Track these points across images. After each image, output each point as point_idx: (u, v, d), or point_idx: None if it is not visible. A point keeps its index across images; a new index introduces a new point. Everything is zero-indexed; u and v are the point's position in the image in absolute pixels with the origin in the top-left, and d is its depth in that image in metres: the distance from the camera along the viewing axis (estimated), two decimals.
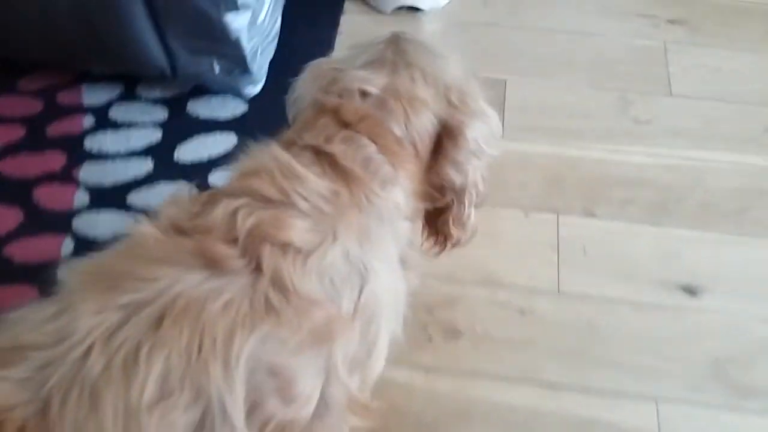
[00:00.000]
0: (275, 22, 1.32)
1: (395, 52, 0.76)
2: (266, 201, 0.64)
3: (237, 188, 0.66)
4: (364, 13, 1.54)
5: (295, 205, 0.64)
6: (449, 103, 0.75)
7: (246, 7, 1.14)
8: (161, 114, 1.33)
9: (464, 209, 0.79)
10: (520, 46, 1.46)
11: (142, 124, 1.31)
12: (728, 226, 1.18)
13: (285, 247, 0.61)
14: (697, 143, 1.30)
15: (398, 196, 0.71)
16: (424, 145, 0.74)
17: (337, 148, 0.69)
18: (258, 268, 0.60)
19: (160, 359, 0.54)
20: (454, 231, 0.82)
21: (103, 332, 0.54)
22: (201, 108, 1.34)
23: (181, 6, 1.13)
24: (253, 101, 1.35)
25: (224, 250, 0.60)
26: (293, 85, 0.81)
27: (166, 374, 0.54)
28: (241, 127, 1.31)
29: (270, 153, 0.68)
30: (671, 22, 1.50)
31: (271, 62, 1.35)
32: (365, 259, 0.65)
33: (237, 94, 1.32)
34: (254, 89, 1.32)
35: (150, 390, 0.53)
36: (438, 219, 0.81)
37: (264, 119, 1.29)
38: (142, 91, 1.36)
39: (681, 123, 1.32)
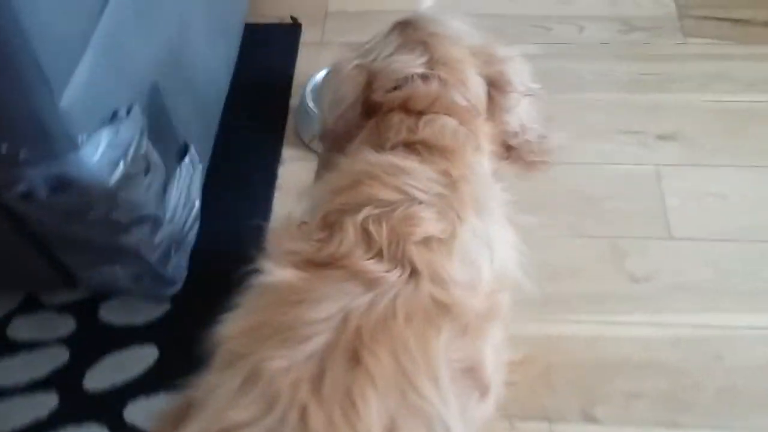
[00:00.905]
0: (192, 208, 1.13)
1: (415, 31, 0.81)
2: (388, 204, 0.66)
3: (350, 202, 0.67)
4: (306, 158, 1.34)
5: (415, 198, 0.66)
6: (481, 59, 0.83)
7: (142, 221, 0.95)
8: (68, 325, 1.13)
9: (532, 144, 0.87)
10: None
11: (45, 343, 1.12)
12: (759, 420, 0.97)
13: (427, 241, 0.64)
14: (708, 303, 1.08)
15: (486, 159, 0.78)
16: (483, 104, 0.81)
17: (425, 134, 0.73)
18: (414, 271, 0.61)
19: (374, 396, 0.53)
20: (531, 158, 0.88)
21: (307, 389, 0.53)
22: (114, 314, 1.14)
23: (65, 235, 0.94)
24: (176, 299, 1.15)
25: (375, 266, 0.61)
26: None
27: (385, 410, 0.54)
28: (164, 333, 1.12)
29: (365, 159, 0.71)
30: (662, 138, 1.30)
31: (195, 250, 1.16)
32: (488, 230, 0.69)
33: (153, 298, 1.13)
34: (174, 289, 1.13)
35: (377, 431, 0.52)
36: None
37: (193, 319, 1.10)
38: (46, 297, 1.17)
39: (686, 276, 1.11)
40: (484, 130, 0.79)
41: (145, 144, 0.93)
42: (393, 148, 0.73)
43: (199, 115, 1.18)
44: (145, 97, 0.93)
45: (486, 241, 0.68)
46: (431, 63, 0.78)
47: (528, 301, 1.10)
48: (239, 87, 1.36)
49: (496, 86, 0.83)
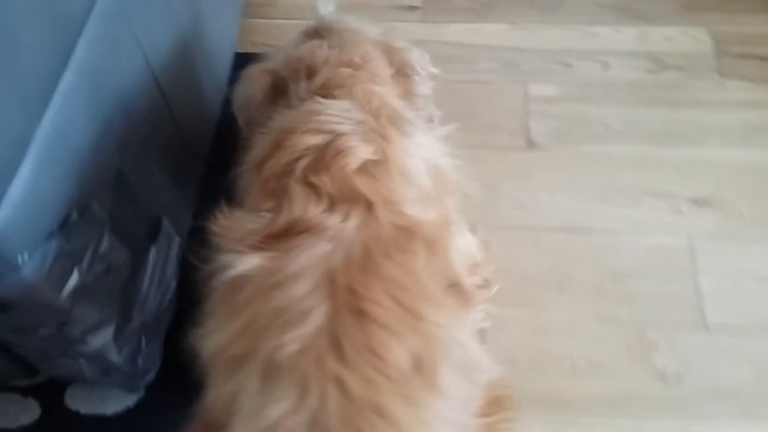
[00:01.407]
0: (167, 288, 1.00)
1: (316, 32, 0.90)
2: (317, 149, 0.68)
3: (281, 163, 0.68)
4: None
5: (338, 132, 0.69)
6: (383, 48, 0.90)
7: (103, 325, 0.83)
8: (31, 412, 1.02)
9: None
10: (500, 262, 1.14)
11: None
12: None
13: (365, 168, 0.67)
14: (748, 409, 0.96)
15: (392, 91, 0.85)
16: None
17: (330, 75, 0.80)
18: (368, 204, 0.64)
19: (392, 340, 0.55)
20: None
21: (332, 360, 0.54)
22: (81, 400, 1.03)
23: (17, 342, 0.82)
24: (150, 387, 1.04)
25: (331, 217, 0.63)
26: (234, 94, 0.91)
27: (407, 348, 0.56)
28: (137, 425, 1.01)
29: (277, 120, 0.76)
30: (696, 202, 1.16)
31: (171, 327, 1.04)
32: (415, 143, 0.73)
33: (125, 388, 1.02)
34: (146, 380, 1.01)
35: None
36: None
37: (169, 407, 0.98)
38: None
39: (723, 376, 0.99)
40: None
41: (107, 241, 0.81)
42: (302, 100, 0.77)
43: (178, 178, 1.06)
44: (106, 188, 0.80)
45: (417, 154, 0.71)
46: (336, 50, 0.84)
47: (540, 399, 0.99)
48: (229, 120, 1.24)
49: (401, 73, 0.89)
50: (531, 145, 1.25)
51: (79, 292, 0.76)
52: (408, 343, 0.56)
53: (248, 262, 0.61)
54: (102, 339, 0.85)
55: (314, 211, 0.63)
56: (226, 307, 0.62)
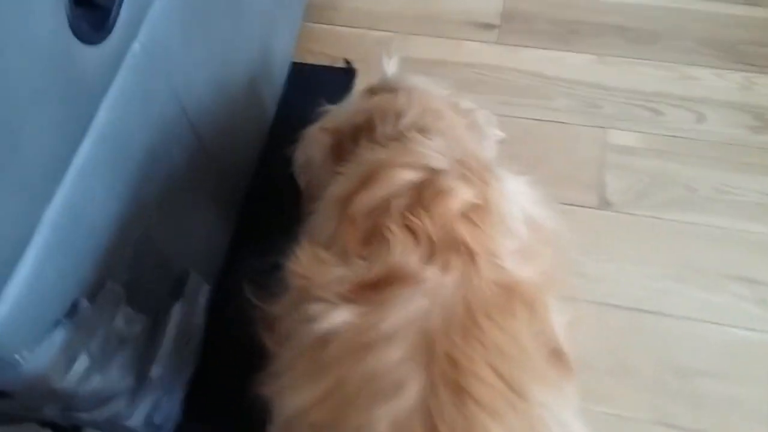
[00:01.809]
0: (190, 340, 0.93)
1: (379, 90, 0.86)
2: (413, 186, 0.63)
3: (374, 198, 0.63)
4: None
5: (437, 168, 0.64)
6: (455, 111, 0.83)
7: (113, 398, 0.77)
8: None
9: None
10: None
11: None
12: None
13: (468, 213, 0.61)
14: None
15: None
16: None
17: (414, 118, 0.77)
18: (470, 254, 0.58)
19: (494, 424, 0.50)
20: None
21: None
22: None
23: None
24: None
25: (431, 269, 0.57)
26: (294, 155, 0.88)
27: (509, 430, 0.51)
28: None
29: (365, 155, 0.70)
30: None
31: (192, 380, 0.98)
32: (508, 187, 0.67)
33: None
34: None
35: None
36: None
37: None
38: None
39: None
40: None
41: (121, 316, 0.74)
42: (390, 139, 0.72)
43: (211, 216, 0.98)
44: (125, 261, 0.73)
45: (515, 200, 0.66)
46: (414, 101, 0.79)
47: None
48: (274, 144, 1.16)
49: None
50: (604, 203, 1.12)
51: (88, 372, 0.70)
52: (509, 425, 0.51)
53: (338, 316, 0.55)
54: (113, 408, 0.79)
55: (412, 258, 0.57)
56: (308, 363, 0.57)
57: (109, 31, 0.63)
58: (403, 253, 0.57)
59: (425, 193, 0.61)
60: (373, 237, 0.60)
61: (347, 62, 1.31)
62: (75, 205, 0.62)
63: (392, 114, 0.77)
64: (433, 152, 0.66)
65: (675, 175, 1.14)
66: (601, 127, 1.19)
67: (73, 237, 0.63)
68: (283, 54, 1.18)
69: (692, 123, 1.20)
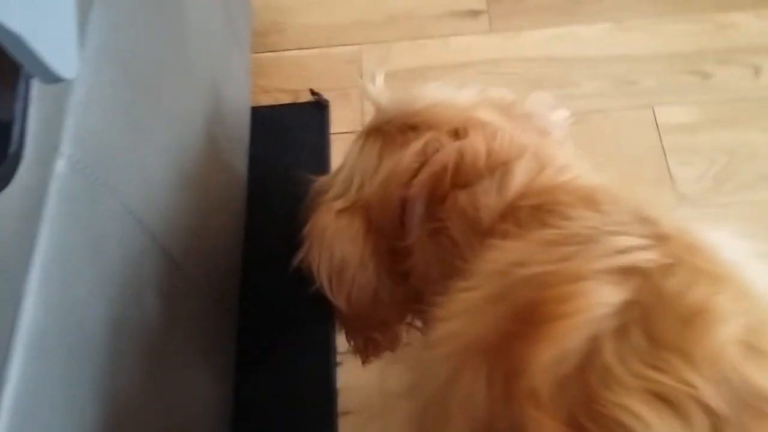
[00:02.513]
0: None
1: (391, 123, 0.63)
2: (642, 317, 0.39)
3: (573, 341, 0.38)
4: None
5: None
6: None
7: None
8: None
9: None
10: None
11: None
12: None
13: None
14: None
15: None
16: None
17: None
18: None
19: None
20: None
21: None
22: None
23: None
24: None
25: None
26: (307, 266, 0.63)
27: None
28: None
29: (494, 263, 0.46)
30: None
31: None
32: None
33: None
34: None
35: None
36: None
37: None
38: None
39: None
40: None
41: None
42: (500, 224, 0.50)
43: (207, 352, 0.71)
44: None
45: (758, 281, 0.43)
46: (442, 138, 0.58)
47: None
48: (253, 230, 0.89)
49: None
50: (679, 198, 0.91)
51: None
52: None
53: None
54: None
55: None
56: None
57: (17, 157, 0.36)
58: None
59: (660, 322, 0.37)
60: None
61: (314, 93, 1.05)
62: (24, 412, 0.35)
63: (469, 172, 0.53)
64: (625, 234, 0.42)
65: (751, 146, 0.94)
66: (647, 107, 0.98)
67: None
68: (240, 102, 0.91)
69: (749, 79, 0.99)
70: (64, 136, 0.42)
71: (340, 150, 1.01)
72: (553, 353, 0.37)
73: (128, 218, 0.50)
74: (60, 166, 0.42)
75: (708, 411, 0.34)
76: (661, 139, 0.96)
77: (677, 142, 0.95)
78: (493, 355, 0.40)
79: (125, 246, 0.49)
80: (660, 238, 0.42)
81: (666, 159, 0.94)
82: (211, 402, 0.70)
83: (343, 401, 0.83)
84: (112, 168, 0.48)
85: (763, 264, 0.44)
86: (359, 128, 1.05)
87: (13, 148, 0.35)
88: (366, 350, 0.73)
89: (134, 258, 0.51)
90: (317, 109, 1.04)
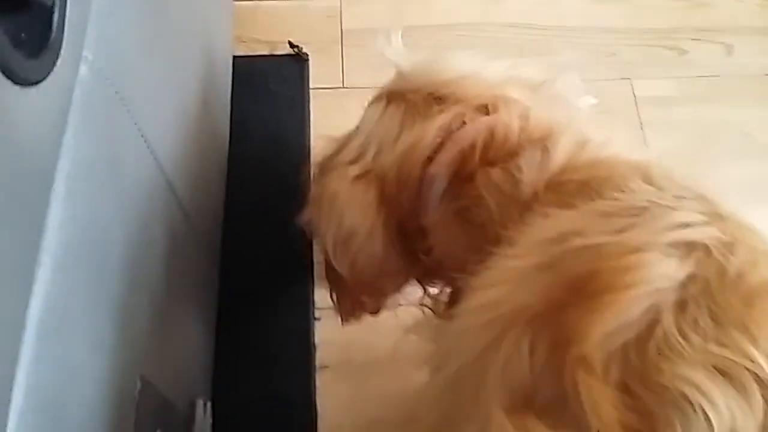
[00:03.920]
0: None
1: (414, 91, 0.61)
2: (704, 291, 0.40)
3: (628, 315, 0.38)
4: None
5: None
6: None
7: None
8: None
9: None
10: None
11: None
12: None
13: None
14: None
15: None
16: None
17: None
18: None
19: None
20: None
21: None
22: None
23: None
24: None
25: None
26: (314, 229, 0.64)
27: None
28: None
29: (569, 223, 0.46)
30: None
31: None
32: None
33: None
34: None
35: None
36: None
37: None
38: None
39: None
40: None
41: None
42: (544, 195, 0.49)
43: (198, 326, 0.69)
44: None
45: None
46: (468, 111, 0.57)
47: None
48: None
49: None
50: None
51: None
52: None
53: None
54: None
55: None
56: None
57: (58, 45, 0.34)
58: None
59: (721, 299, 0.38)
60: (647, 404, 0.36)
61: (293, 46, 1.03)
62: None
63: (500, 150, 0.53)
64: (684, 209, 0.42)
65: (723, 121, 0.99)
66: (626, 79, 1.01)
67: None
68: (223, 50, 0.88)
69: (721, 57, 1.04)
70: (87, 42, 0.40)
71: (320, 106, 1.00)
72: (611, 323, 0.38)
73: (140, 142, 0.48)
74: (84, 71, 0.39)
75: (765, 386, 0.35)
76: (638, 111, 0.99)
77: (653, 115, 0.99)
78: (539, 323, 0.40)
79: (137, 172, 0.48)
80: (717, 216, 0.43)
81: (643, 131, 0.98)
82: (196, 352, 0.68)
83: (321, 356, 0.83)
84: (128, 84, 0.46)
85: None
86: (340, 85, 1.05)
87: (54, 35, 0.33)
88: (352, 312, 0.73)
89: (145, 186, 0.49)
90: (296, 62, 1.02)
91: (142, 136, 0.47)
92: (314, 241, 0.75)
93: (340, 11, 1.06)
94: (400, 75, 0.64)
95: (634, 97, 1.00)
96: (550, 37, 1.05)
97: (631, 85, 1.01)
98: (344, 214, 0.60)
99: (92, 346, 0.39)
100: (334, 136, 0.67)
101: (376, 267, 0.62)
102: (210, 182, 0.73)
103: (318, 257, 0.84)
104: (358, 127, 0.65)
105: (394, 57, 0.65)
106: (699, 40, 1.05)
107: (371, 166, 0.60)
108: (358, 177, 0.60)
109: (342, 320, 0.75)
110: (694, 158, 0.90)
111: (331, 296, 0.74)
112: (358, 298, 0.70)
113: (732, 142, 0.97)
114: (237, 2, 1.05)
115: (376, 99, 0.65)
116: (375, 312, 0.73)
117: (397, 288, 0.69)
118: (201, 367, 0.69)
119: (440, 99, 0.59)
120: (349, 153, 0.62)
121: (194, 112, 0.66)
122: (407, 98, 0.61)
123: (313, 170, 0.68)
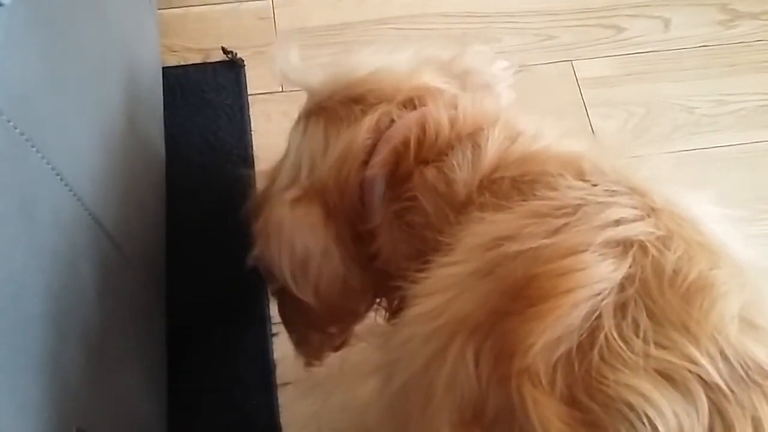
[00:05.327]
0: None
1: (331, 98, 0.60)
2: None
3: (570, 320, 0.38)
4: None
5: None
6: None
7: None
8: None
9: None
10: None
11: None
12: None
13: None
14: None
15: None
16: None
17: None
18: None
19: None
20: None
21: None
22: None
23: None
24: None
25: None
26: (266, 262, 0.61)
27: None
28: None
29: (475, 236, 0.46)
30: None
31: None
32: None
33: None
34: None
35: None
36: None
37: None
38: None
39: None
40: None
41: None
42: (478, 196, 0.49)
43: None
44: None
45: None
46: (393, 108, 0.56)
47: None
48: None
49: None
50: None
51: None
52: None
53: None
54: None
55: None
56: None
57: None
58: None
59: (661, 298, 0.38)
60: (595, 416, 0.36)
61: (227, 52, 1.00)
62: None
63: (433, 146, 0.53)
64: (616, 205, 0.42)
65: (665, 98, 0.99)
66: (567, 61, 1.01)
67: None
68: (151, 62, 0.85)
69: (659, 32, 1.04)
70: None
71: (260, 112, 0.97)
72: (551, 331, 0.37)
73: (56, 181, 0.46)
74: None
75: (709, 388, 0.36)
76: (581, 93, 0.99)
77: (596, 96, 0.99)
78: (482, 333, 0.40)
79: (56, 212, 0.45)
80: (650, 209, 0.43)
81: (587, 112, 0.98)
82: (145, 391, 0.66)
83: (282, 372, 0.82)
84: (36, 124, 0.43)
85: (736, 230, 0.46)
86: (278, 89, 1.02)
87: None
88: (319, 349, 0.71)
89: (66, 225, 0.46)
90: (232, 68, 0.99)
91: (57, 174, 0.45)
92: (267, 284, 0.73)
93: (273, 12, 1.04)
94: (310, 90, 0.63)
95: (576, 79, 1.00)
96: (489, 24, 1.04)
97: (572, 66, 1.01)
98: (294, 239, 0.58)
99: (18, 408, 0.37)
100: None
101: (340, 284, 0.60)
102: (145, 207, 0.71)
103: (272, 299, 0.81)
104: (285, 154, 0.64)
105: (300, 77, 0.64)
106: (635, 16, 1.05)
107: (307, 184, 0.58)
108: (298, 199, 0.58)
109: (305, 363, 0.73)
110: (630, 142, 0.93)
111: (291, 338, 0.72)
112: (326, 329, 0.68)
113: (676, 117, 0.98)
114: (164, 10, 1.02)
115: (296, 122, 0.64)
116: (340, 346, 0.71)
117: (368, 306, 0.67)
118: (152, 404, 0.67)
119: (357, 99, 0.58)
120: (282, 179, 0.61)
121: (120, 133, 0.63)
122: (323, 107, 0.60)
123: (251, 208, 0.66)
